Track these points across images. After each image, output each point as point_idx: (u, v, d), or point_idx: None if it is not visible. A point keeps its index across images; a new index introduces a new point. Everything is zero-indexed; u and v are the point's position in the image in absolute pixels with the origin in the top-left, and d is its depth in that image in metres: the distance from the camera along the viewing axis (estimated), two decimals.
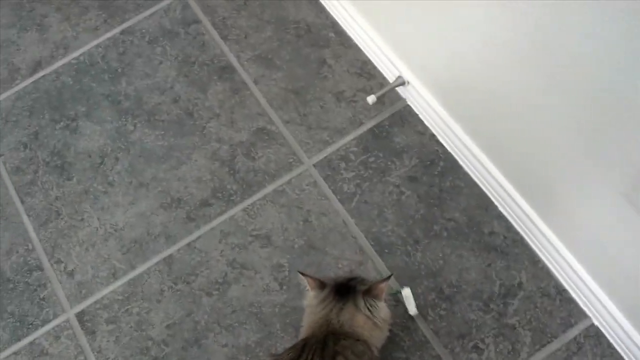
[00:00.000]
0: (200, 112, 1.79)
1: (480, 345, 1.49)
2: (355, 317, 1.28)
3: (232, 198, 1.68)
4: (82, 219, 1.69)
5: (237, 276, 1.60)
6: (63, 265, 1.64)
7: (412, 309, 1.49)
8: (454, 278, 1.55)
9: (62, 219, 1.70)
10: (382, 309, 1.32)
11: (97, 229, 1.67)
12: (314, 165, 1.71)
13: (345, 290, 1.30)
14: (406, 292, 1.50)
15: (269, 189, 1.69)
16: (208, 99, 1.81)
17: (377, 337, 1.33)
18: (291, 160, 1.72)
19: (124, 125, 1.79)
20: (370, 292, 1.30)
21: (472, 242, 1.59)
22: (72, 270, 1.64)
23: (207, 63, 1.86)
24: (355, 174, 1.69)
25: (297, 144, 1.73)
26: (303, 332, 1.31)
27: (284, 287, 1.58)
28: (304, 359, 1.20)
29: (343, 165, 1.70)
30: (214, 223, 1.66)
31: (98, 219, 1.69)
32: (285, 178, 1.70)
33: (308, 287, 1.33)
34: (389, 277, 1.32)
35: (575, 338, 1.48)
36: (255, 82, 1.82)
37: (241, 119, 1.77)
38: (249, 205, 1.67)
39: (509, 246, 1.57)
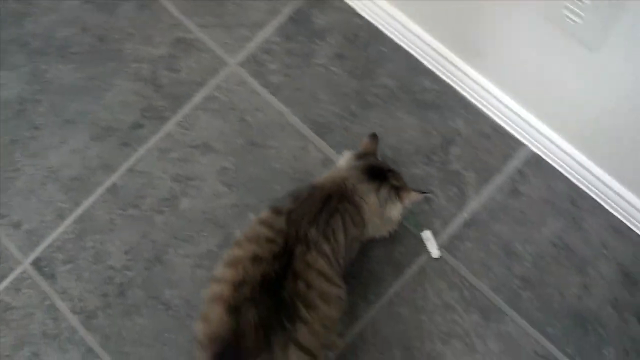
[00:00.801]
0: (113, 35, 1.73)
1: (429, 195, 1.50)
2: (370, 197, 1.29)
3: (163, 115, 1.64)
4: (17, 169, 1.65)
5: (184, 189, 1.58)
6: (7, 218, 1.60)
7: (434, 252, 1.48)
8: (394, 141, 1.55)
9: None
10: (396, 210, 1.33)
11: (33, 175, 1.63)
12: (239, 64, 1.67)
13: (377, 173, 1.32)
14: (426, 235, 1.48)
15: (198, 97, 1.65)
16: (118, 20, 1.74)
17: (374, 227, 1.34)
18: (215, 64, 1.68)
19: (38, 66, 1.73)
20: (398, 190, 1.31)
21: (405, 103, 1.58)
22: (18, 221, 1.60)
23: None
24: (282, 63, 1.65)
25: (218, 46, 1.69)
26: (316, 181, 1.32)
27: (233, 188, 1.56)
28: (305, 204, 1.22)
29: (268, 57, 1.66)
30: (150, 143, 1.62)
31: (32, 165, 1.64)
32: (213, 83, 1.66)
33: (360, 148, 1.37)
34: (424, 193, 1.36)
35: (517, 167, 1.49)
36: None
37: (157, 34, 1.72)
38: (181, 118, 1.64)
39: (441, 98, 1.56)
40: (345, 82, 1.61)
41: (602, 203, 1.47)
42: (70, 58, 1.72)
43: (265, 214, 1.25)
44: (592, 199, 1.48)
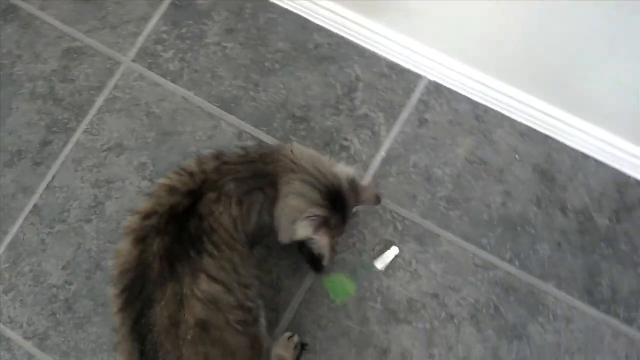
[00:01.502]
0: (2, 61, 1.71)
1: (345, 143, 1.54)
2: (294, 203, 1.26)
3: (68, 126, 1.64)
4: None
5: (107, 192, 1.58)
6: None
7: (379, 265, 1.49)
8: (301, 100, 1.58)
9: None
10: (303, 233, 1.28)
11: None
12: (133, 60, 1.67)
13: (336, 200, 1.27)
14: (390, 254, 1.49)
15: (100, 101, 1.65)
16: (3, 45, 1.72)
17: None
18: (109, 65, 1.67)
19: None
20: (323, 225, 1.27)
21: (303, 62, 1.62)
22: None
23: None
24: (175, 50, 1.66)
25: (108, 47, 1.69)
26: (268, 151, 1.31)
27: (155, 181, 1.57)
28: (243, 164, 1.23)
29: (160, 47, 1.67)
30: (62, 156, 1.62)
31: None
32: (111, 84, 1.66)
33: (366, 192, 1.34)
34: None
35: (419, 99, 1.55)
36: (42, 9, 1.73)
37: (44, 49, 1.70)
38: (88, 125, 1.64)
39: (335, 50, 1.61)
40: (241, 55, 1.63)
41: (505, 112, 1.53)
42: None
43: (206, 153, 1.25)
44: (495, 110, 1.54)
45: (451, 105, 1.56)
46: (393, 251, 1.46)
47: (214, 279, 1.11)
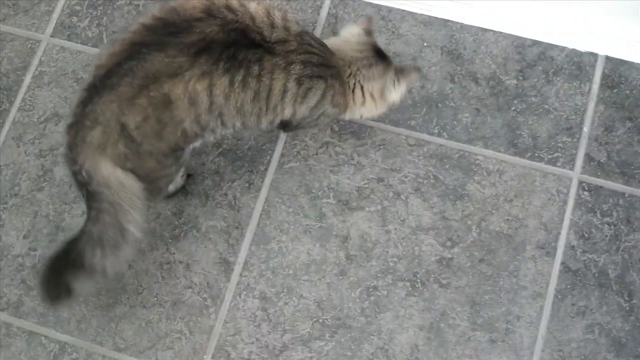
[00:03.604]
0: None
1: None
2: (380, 80, 1.39)
3: (2, 108, 1.69)
4: None
5: (53, 159, 1.64)
6: None
7: None
8: None
9: None
10: (397, 94, 1.44)
11: None
12: (52, 36, 1.74)
13: (383, 56, 1.40)
14: None
15: (27, 79, 1.71)
16: None
17: (368, 110, 1.45)
18: (29, 45, 1.74)
19: None
20: (401, 72, 1.42)
21: None
22: None
23: None
24: (90, 18, 1.74)
25: (25, 30, 1.75)
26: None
27: None
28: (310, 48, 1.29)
29: (75, 19, 1.75)
30: (2, 137, 1.66)
31: None
32: (35, 61, 1.72)
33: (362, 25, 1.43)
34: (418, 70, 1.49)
35: (329, 13, 1.67)
36: None
37: None
38: (20, 104, 1.69)
39: None
40: (154, 8, 1.72)
41: (405, 8, 1.67)
42: None
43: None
44: (396, 9, 1.68)
45: (358, 12, 1.69)
46: None
47: (219, 92, 1.20)
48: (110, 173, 1.22)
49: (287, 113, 1.31)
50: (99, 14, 1.74)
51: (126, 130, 1.19)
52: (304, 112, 1.34)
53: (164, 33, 1.18)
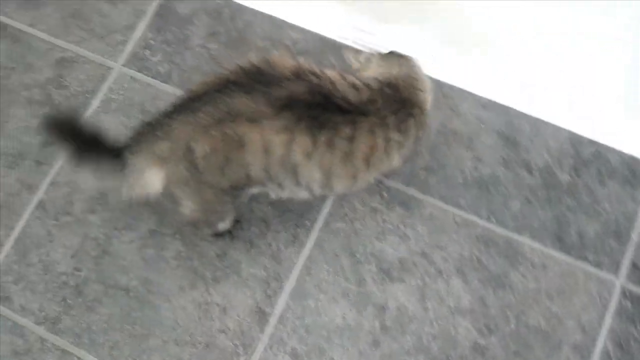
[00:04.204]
0: None
1: None
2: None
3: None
4: None
5: (110, 184, 1.67)
6: None
7: None
8: None
9: None
10: None
11: None
12: (124, 65, 1.79)
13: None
14: None
15: (95, 103, 1.76)
16: None
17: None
18: (101, 71, 1.79)
19: None
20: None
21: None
22: None
23: None
24: (163, 53, 1.80)
25: (98, 55, 1.81)
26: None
27: None
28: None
29: (148, 52, 1.80)
30: (64, 154, 1.70)
31: None
32: (105, 87, 1.77)
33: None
34: None
35: None
36: (31, 25, 1.85)
37: (37, 61, 1.81)
38: None
39: (309, 45, 1.78)
40: (224, 54, 1.78)
41: (467, 88, 1.71)
42: None
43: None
44: (459, 87, 1.73)
45: None
46: None
47: (299, 149, 1.26)
48: (153, 181, 1.31)
49: (395, 162, 1.39)
50: (171, 51, 1.79)
51: (192, 155, 1.26)
52: (405, 154, 1.40)
53: (255, 80, 1.25)
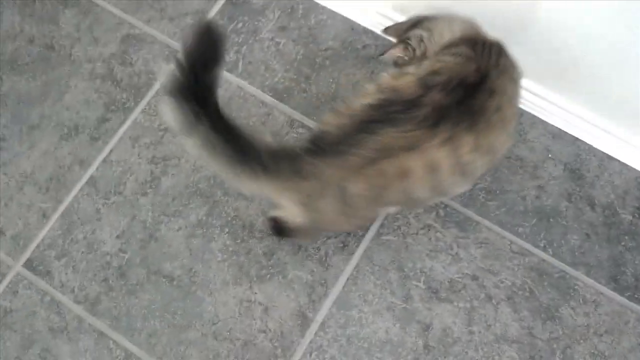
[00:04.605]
0: (61, 42, 1.79)
1: None
2: None
3: (126, 106, 1.72)
4: None
5: (163, 169, 1.65)
6: None
7: None
8: (350, 94, 1.70)
9: None
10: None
11: (8, 183, 1.65)
12: None
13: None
14: None
15: (158, 84, 1.73)
16: (63, 28, 1.80)
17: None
18: (166, 52, 1.77)
19: None
20: None
21: (352, 60, 1.74)
22: (0, 228, 1.61)
23: None
24: (231, 42, 1.77)
25: (167, 37, 1.78)
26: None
27: None
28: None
29: None
30: (120, 133, 1.69)
31: (4, 174, 1.66)
32: (169, 69, 1.74)
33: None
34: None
35: None
36: None
37: (103, 35, 1.79)
38: (145, 106, 1.72)
39: (379, 50, 1.73)
40: (293, 50, 1.75)
41: (538, 115, 1.67)
42: (22, 69, 1.76)
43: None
44: (529, 113, 1.68)
45: None
46: None
47: (465, 150, 1.20)
48: (289, 205, 1.28)
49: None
50: (240, 41, 1.77)
51: (343, 193, 1.21)
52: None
53: (392, 111, 1.19)
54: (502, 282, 1.54)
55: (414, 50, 1.39)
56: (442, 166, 1.20)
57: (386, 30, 1.51)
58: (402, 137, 1.17)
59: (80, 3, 1.82)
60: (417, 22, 1.42)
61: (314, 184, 1.21)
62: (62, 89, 1.74)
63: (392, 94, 1.21)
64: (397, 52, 1.41)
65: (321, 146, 1.21)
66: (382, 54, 1.43)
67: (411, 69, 1.27)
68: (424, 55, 1.37)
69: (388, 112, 1.19)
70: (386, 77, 1.27)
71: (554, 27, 1.44)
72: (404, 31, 1.44)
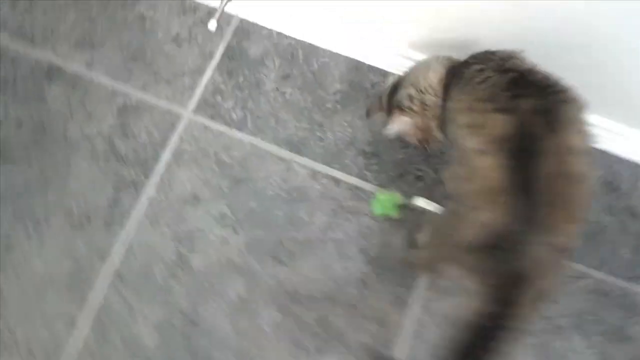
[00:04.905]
0: (52, 121, 1.65)
1: (419, 173, 1.59)
2: None
3: (137, 182, 1.60)
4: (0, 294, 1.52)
5: (190, 246, 1.55)
6: (16, 348, 1.47)
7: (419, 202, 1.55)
8: (368, 136, 1.64)
9: None
10: None
11: (25, 291, 1.52)
12: (194, 112, 1.66)
13: None
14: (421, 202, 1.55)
15: (166, 154, 1.63)
16: (51, 106, 1.67)
17: None
18: (169, 119, 1.66)
19: None
20: None
21: (362, 100, 1.67)
22: (28, 348, 1.47)
23: (27, 76, 1.69)
24: (235, 99, 1.67)
25: (166, 101, 1.67)
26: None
27: (237, 229, 1.56)
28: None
29: (219, 98, 1.68)
30: (136, 214, 1.57)
31: (18, 281, 1.53)
32: (175, 137, 1.64)
33: None
34: None
35: None
36: (89, 67, 1.70)
37: (97, 108, 1.67)
38: (158, 180, 1.60)
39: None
40: (301, 98, 1.67)
41: None
42: (15, 157, 1.62)
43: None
44: None
45: None
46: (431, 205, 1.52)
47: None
48: None
49: None
50: (244, 97, 1.67)
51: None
52: None
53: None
54: (566, 310, 1.50)
55: (411, 110, 1.33)
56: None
57: (368, 113, 1.52)
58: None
59: (65, 75, 1.69)
60: (394, 89, 1.39)
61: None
62: (63, 174, 1.60)
63: (515, 135, 1.09)
64: (401, 122, 1.36)
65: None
66: (387, 130, 1.40)
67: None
68: (424, 108, 1.32)
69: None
70: None
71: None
72: (386, 104, 1.40)
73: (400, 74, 1.43)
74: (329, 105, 1.66)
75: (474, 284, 1.11)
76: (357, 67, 1.70)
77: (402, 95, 1.35)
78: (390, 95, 1.41)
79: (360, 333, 1.48)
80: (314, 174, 1.60)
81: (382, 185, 1.59)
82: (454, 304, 1.43)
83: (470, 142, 1.14)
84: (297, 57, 1.70)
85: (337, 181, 1.59)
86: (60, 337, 1.47)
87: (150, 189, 1.59)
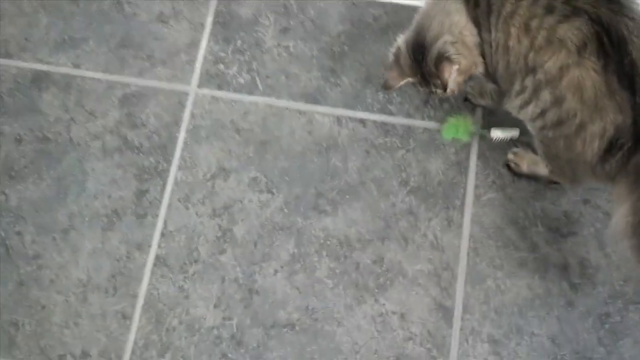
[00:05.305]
0: (54, 129, 1.58)
1: None
2: None
3: (160, 169, 1.54)
4: (43, 306, 1.45)
5: (230, 218, 1.50)
6: (69, 356, 1.41)
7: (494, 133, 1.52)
8: (382, 70, 1.57)
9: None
10: None
11: (67, 300, 1.45)
12: (199, 86, 1.61)
13: None
14: (496, 134, 1.51)
15: (182, 134, 1.57)
16: (49, 114, 1.59)
17: None
18: (176, 98, 1.60)
19: None
20: None
21: (369, 36, 1.64)
22: (82, 351, 1.41)
23: (12, 89, 1.61)
24: (238, 63, 1.62)
25: (167, 82, 1.61)
26: None
27: (274, 190, 1.52)
28: None
29: (222, 66, 1.63)
30: (166, 200, 1.51)
31: (58, 292, 1.46)
32: (186, 116, 1.58)
33: None
34: None
35: None
36: (77, 66, 1.63)
37: (97, 105, 1.60)
38: (180, 162, 1.54)
39: (394, 17, 1.65)
40: (306, 48, 1.62)
41: None
42: (22, 174, 1.54)
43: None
44: None
45: None
46: (513, 132, 1.49)
47: None
48: None
49: None
50: (247, 59, 1.62)
51: None
52: None
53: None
54: (611, 194, 1.48)
55: (460, 55, 1.26)
56: None
57: (386, 85, 1.40)
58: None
59: (54, 80, 1.61)
60: (419, 42, 1.29)
61: None
62: (79, 178, 1.53)
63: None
64: (455, 72, 1.28)
65: None
66: (444, 93, 1.34)
67: None
68: (469, 50, 1.26)
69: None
70: None
71: None
72: (413, 61, 1.31)
73: (401, 36, 1.36)
74: (336, 48, 1.62)
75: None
76: (355, 4, 1.66)
77: (442, 46, 1.27)
78: (414, 54, 1.31)
79: (418, 263, 1.44)
80: (338, 120, 1.56)
81: (409, 114, 1.55)
82: (502, 216, 1.42)
83: (548, 63, 1.10)
84: (291, 8, 1.66)
85: (362, 122, 1.55)
86: (117, 336, 1.41)
87: (174, 172, 1.53)
